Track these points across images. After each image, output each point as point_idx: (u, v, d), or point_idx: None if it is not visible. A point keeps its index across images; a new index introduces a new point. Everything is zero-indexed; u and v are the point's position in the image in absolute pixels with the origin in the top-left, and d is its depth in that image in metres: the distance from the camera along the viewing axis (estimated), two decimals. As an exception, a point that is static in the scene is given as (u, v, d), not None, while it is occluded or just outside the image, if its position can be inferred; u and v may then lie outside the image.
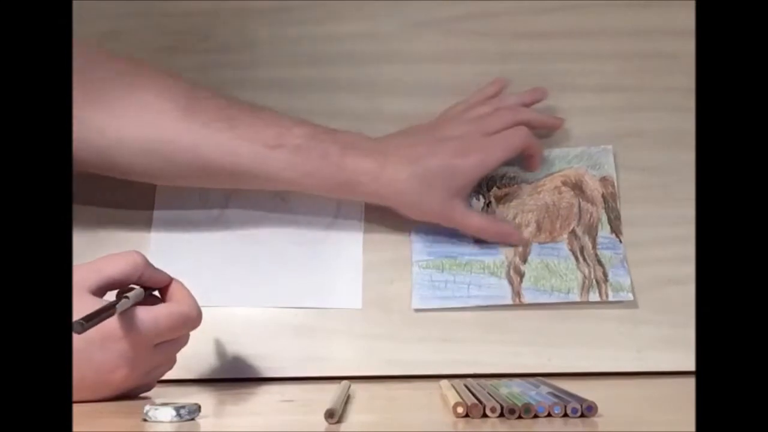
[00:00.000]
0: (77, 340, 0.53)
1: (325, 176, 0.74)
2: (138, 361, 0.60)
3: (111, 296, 0.61)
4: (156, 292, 0.65)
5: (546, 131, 0.83)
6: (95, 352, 0.58)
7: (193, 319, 0.63)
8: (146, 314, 0.60)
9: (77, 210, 0.80)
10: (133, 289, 0.62)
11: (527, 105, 0.82)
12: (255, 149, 0.73)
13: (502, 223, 0.80)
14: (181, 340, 0.65)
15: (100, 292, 0.60)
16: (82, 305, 0.55)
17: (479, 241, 0.80)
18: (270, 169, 0.73)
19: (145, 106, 0.73)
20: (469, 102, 0.82)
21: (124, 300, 0.58)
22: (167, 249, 0.79)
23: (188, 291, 0.65)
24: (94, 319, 0.53)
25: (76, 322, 0.51)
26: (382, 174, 0.74)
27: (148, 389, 0.65)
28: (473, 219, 0.78)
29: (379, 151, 0.75)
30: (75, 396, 0.56)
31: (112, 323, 0.57)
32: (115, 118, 0.72)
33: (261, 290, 0.79)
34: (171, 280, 0.65)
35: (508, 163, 0.80)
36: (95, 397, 0.60)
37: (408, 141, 0.77)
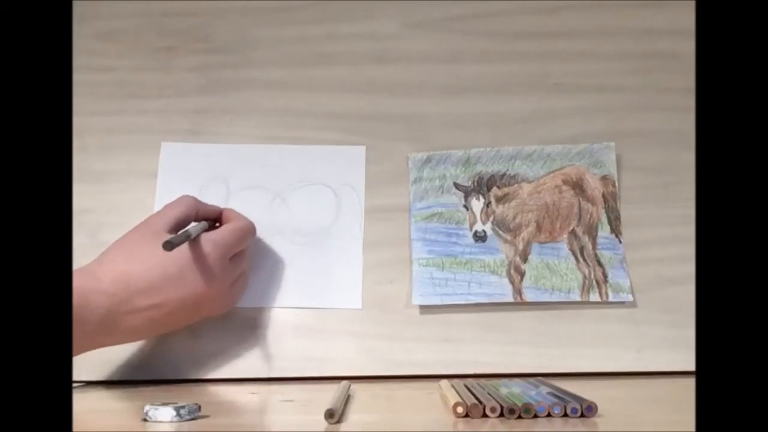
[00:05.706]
0: (172, 266, 0.67)
1: None
2: (222, 273, 0.70)
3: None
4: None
5: None
6: (188, 274, 0.68)
7: (251, 229, 0.76)
8: (216, 235, 0.71)
9: (78, 213, 0.80)
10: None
11: None
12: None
13: None
14: (246, 252, 0.75)
15: (172, 231, 0.70)
16: (162, 242, 0.64)
17: (479, 241, 0.80)
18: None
19: None
20: None
21: (194, 226, 0.70)
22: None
23: (238, 213, 0.76)
24: (177, 239, 0.65)
25: (165, 242, 0.63)
26: None
27: (234, 304, 0.75)
28: None
29: None
30: (181, 322, 0.70)
31: (193, 248, 0.68)
32: None
33: (261, 290, 0.79)
34: (222, 210, 0.77)
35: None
36: (195, 317, 0.71)
37: None
